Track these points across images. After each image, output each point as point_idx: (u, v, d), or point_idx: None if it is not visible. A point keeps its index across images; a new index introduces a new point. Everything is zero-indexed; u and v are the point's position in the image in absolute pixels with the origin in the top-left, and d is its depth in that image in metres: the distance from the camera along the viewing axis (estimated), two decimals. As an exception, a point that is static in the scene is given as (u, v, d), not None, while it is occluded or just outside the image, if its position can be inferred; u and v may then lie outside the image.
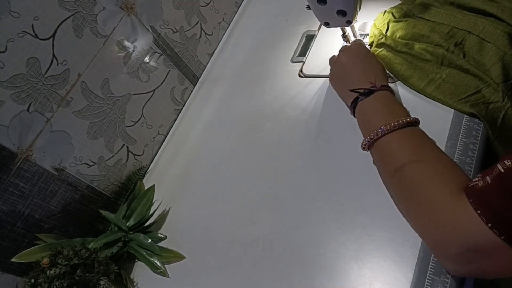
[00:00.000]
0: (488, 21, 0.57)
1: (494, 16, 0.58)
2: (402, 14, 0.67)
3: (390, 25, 0.68)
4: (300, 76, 0.79)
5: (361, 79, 0.60)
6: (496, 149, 0.56)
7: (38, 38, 0.63)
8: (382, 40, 0.67)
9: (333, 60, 0.69)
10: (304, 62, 0.81)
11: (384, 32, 0.68)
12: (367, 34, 0.74)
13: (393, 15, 0.68)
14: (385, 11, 0.71)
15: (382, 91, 0.58)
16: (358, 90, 0.59)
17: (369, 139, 0.54)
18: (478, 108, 0.56)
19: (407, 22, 0.65)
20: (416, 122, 0.54)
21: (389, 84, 0.62)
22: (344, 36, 0.72)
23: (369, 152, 0.58)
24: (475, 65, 0.56)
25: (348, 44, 0.75)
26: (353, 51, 0.65)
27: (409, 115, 0.55)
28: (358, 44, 0.67)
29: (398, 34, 0.65)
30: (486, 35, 0.56)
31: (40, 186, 0.66)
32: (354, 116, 0.61)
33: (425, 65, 0.61)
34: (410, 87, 0.63)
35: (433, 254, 0.47)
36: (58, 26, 0.66)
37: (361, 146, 0.57)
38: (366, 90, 0.58)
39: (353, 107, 0.60)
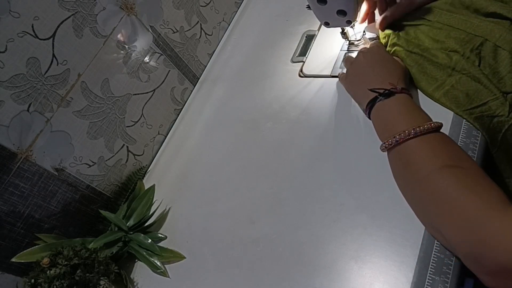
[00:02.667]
0: (505, 27, 0.56)
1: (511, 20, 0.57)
2: (417, 17, 0.66)
3: (405, 27, 0.66)
4: (300, 76, 0.79)
5: (380, 79, 0.59)
6: (496, 160, 0.56)
7: (38, 38, 0.63)
8: (395, 40, 0.65)
9: (349, 61, 0.68)
10: (304, 62, 0.81)
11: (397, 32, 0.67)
12: (375, 38, 0.73)
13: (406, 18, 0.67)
14: None
15: (402, 93, 0.56)
16: (378, 90, 0.57)
17: (397, 139, 0.51)
18: (482, 121, 0.55)
19: (422, 26, 0.63)
20: (440, 128, 0.52)
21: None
22: (343, 33, 0.72)
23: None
24: (490, 73, 0.55)
25: (349, 41, 0.74)
26: (373, 53, 0.64)
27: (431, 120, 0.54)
28: (379, 45, 0.66)
29: (412, 35, 0.64)
30: (502, 42, 0.55)
31: (40, 186, 0.66)
32: (368, 117, 0.60)
33: (435, 69, 0.59)
34: (419, 90, 0.62)
35: (468, 266, 0.45)
36: (58, 26, 0.66)
37: (382, 147, 0.55)
38: (387, 91, 0.57)
39: (369, 107, 0.59)
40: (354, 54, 0.74)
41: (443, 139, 0.51)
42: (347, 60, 0.70)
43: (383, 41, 0.69)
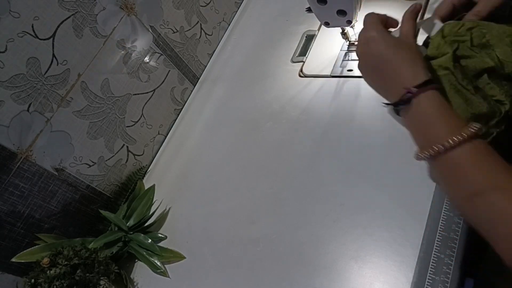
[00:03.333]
0: None
1: None
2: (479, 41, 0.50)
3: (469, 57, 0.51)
4: (300, 76, 0.79)
5: (403, 76, 0.48)
6: None
7: (38, 38, 0.63)
8: (450, 64, 0.50)
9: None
10: (304, 62, 0.81)
11: (452, 50, 0.51)
12: None
13: (471, 38, 0.51)
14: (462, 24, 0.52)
15: (430, 90, 0.47)
16: (407, 94, 0.47)
17: (437, 150, 0.44)
18: None
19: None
20: (481, 130, 0.45)
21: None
22: (344, 34, 0.72)
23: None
24: None
25: (349, 41, 0.74)
26: (380, 39, 0.50)
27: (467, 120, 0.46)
28: (376, 26, 0.52)
29: (470, 67, 0.51)
30: None
31: (40, 186, 0.66)
32: (398, 114, 0.50)
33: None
34: None
35: None
36: (58, 26, 0.66)
37: (419, 157, 0.47)
38: (415, 91, 0.46)
39: (401, 105, 0.48)
40: (354, 55, 0.74)
41: (486, 149, 0.45)
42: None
43: (433, 51, 0.52)
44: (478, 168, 0.44)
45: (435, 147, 0.44)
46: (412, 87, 0.46)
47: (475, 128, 0.44)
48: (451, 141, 0.43)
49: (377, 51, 0.51)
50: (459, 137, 0.43)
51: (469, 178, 0.44)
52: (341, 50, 0.77)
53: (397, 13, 0.74)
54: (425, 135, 0.47)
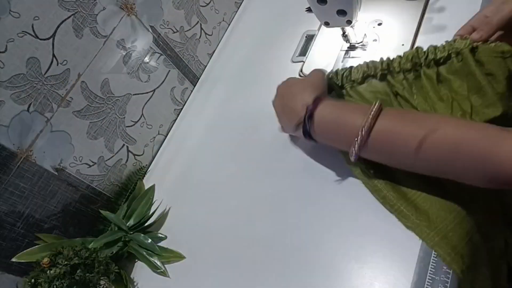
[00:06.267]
0: None
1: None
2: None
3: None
4: (300, 76, 0.79)
5: (295, 109, 0.56)
6: None
7: (38, 38, 0.63)
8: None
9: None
10: (304, 62, 0.81)
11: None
12: (375, 39, 0.72)
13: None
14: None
15: (325, 100, 0.54)
16: (308, 111, 0.54)
17: (364, 132, 0.48)
18: None
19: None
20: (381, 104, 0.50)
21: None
22: (344, 36, 0.72)
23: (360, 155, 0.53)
24: None
25: (350, 43, 0.74)
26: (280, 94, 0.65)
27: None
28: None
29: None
30: None
31: (40, 186, 0.66)
32: (311, 138, 0.56)
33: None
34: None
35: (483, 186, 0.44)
36: (58, 26, 0.66)
37: (354, 152, 0.50)
38: (307, 114, 0.54)
39: (308, 125, 0.55)
40: (354, 53, 0.74)
41: (397, 111, 0.52)
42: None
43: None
44: (406, 122, 0.47)
45: (361, 132, 0.48)
46: (307, 106, 0.53)
47: (377, 104, 0.48)
48: (370, 119, 0.47)
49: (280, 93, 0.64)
50: (373, 113, 0.48)
51: (404, 135, 0.47)
52: (341, 50, 0.77)
53: (397, 13, 0.74)
54: (344, 133, 0.51)
